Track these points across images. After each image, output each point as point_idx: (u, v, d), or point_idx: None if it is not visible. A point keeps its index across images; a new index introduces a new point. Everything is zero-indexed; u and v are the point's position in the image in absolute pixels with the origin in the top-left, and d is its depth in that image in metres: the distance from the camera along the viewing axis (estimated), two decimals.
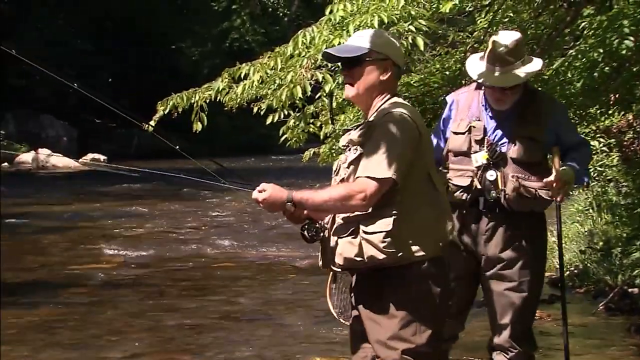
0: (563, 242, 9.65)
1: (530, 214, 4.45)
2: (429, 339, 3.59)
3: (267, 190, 3.59)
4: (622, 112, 7.28)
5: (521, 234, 4.45)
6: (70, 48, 33.83)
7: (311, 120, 6.31)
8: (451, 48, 6.65)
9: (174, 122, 6.26)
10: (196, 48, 40.26)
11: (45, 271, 10.69)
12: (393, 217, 3.52)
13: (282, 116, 6.02)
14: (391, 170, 3.49)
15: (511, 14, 6.01)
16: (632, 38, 5.07)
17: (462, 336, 4.78)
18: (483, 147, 4.45)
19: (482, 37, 5.98)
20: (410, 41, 5.02)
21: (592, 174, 9.57)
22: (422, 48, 5.22)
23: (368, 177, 3.51)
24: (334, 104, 5.98)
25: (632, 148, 9.56)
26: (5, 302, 8.61)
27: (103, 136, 32.37)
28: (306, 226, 3.71)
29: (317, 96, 6.03)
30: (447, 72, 6.23)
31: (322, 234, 3.71)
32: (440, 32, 6.19)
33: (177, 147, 3.93)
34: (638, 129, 9.58)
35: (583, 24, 5.88)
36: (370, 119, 3.66)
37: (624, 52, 5.12)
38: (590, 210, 9.91)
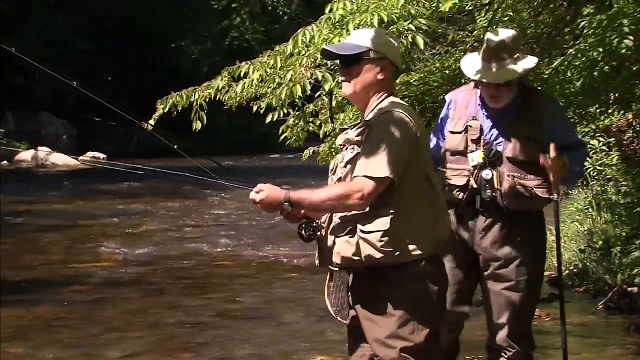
0: (563, 241, 9.75)
1: (527, 213, 4.44)
2: (427, 337, 3.60)
3: (264, 191, 3.60)
4: (622, 112, 7.28)
5: (518, 233, 4.44)
6: (70, 47, 33.82)
7: (311, 119, 6.30)
8: (451, 47, 6.66)
9: (173, 121, 6.27)
10: (196, 47, 40.24)
11: (45, 269, 10.69)
12: (390, 216, 3.53)
13: (281, 115, 6.02)
14: (389, 170, 3.50)
15: (511, 13, 6.01)
16: (632, 37, 5.07)
17: (461, 336, 4.78)
18: (480, 146, 4.45)
19: (482, 36, 5.95)
20: (410, 40, 5.02)
21: (592, 173, 9.58)
22: (422, 47, 5.22)
23: (366, 176, 3.52)
24: (334, 103, 5.98)
25: (631, 147, 9.56)
26: (5, 301, 8.61)
27: (103, 135, 32.35)
28: (304, 226, 3.71)
29: (316, 95, 6.02)
30: (447, 71, 6.23)
31: (319, 234, 3.72)
32: (440, 31, 6.19)
33: (176, 146, 3.93)
34: (638, 128, 9.59)
35: (583, 23, 5.88)
36: (368, 119, 3.67)
37: (623, 51, 5.12)
38: (590, 210, 9.91)
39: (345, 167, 3.67)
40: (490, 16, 5.95)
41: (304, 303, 8.56)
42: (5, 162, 28.03)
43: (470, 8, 6.18)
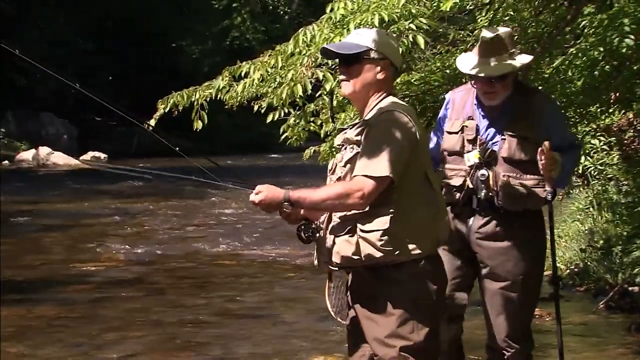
0: (564, 240, 9.76)
1: (524, 213, 4.43)
2: (427, 336, 3.60)
3: (263, 192, 3.60)
4: (623, 111, 7.28)
5: (516, 233, 4.44)
6: (71, 47, 33.80)
7: (311, 119, 6.29)
8: (452, 46, 6.65)
9: (174, 121, 6.26)
10: (196, 46, 40.22)
11: (46, 269, 10.69)
12: (390, 215, 3.54)
13: (282, 114, 6.01)
14: (388, 169, 3.51)
15: (512, 12, 6.00)
16: (632, 36, 5.06)
17: (462, 336, 4.78)
18: (476, 146, 4.45)
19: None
20: (411, 39, 5.01)
21: (592, 172, 9.58)
22: (422, 46, 5.21)
23: (365, 175, 3.52)
24: (335, 103, 5.97)
25: (632, 146, 9.55)
26: (6, 300, 8.62)
27: (104, 134, 32.33)
28: (302, 227, 3.72)
29: (317, 94, 6.01)
30: (448, 71, 6.22)
31: (317, 235, 3.72)
32: (440, 30, 6.18)
33: (177, 148, 3.94)
34: (638, 128, 9.58)
35: (584, 22, 5.87)
36: (367, 118, 3.67)
37: (624, 50, 5.11)
38: (591, 209, 9.92)
39: (345, 166, 3.68)
40: (491, 15, 5.94)
41: (305, 302, 8.57)
42: (6, 161, 28.06)
43: (471, 7, 6.17)
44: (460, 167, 4.48)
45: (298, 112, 6.14)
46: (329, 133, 6.40)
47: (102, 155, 30.96)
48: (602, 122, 8.33)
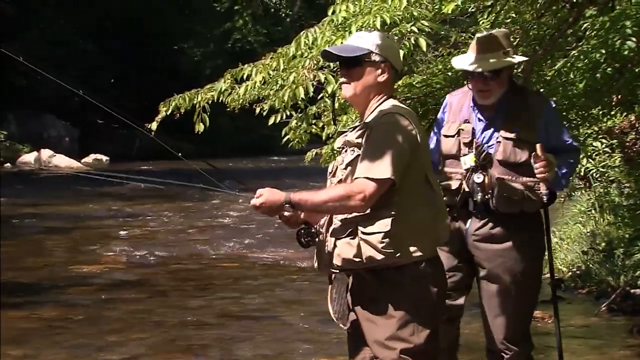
0: (566, 242, 9.75)
1: (520, 215, 4.41)
2: (427, 338, 3.60)
3: (263, 195, 3.60)
4: (625, 113, 7.28)
5: (511, 235, 4.42)
6: (73, 49, 33.85)
7: (313, 121, 6.30)
8: (454, 49, 6.65)
9: (176, 123, 6.27)
10: (198, 49, 40.29)
11: (48, 271, 10.69)
12: (391, 217, 3.54)
13: (284, 117, 6.02)
14: (390, 171, 3.51)
15: (513, 15, 6.00)
16: (634, 39, 5.06)
17: (462, 337, 4.77)
18: (472, 149, 4.45)
19: None
20: (413, 42, 5.01)
21: (594, 174, 9.57)
22: (424, 49, 5.21)
23: (367, 177, 3.52)
24: (336, 105, 5.98)
25: (634, 149, 9.54)
26: (8, 303, 8.63)
27: (105, 137, 32.37)
28: (302, 231, 3.72)
29: (319, 97, 6.02)
30: (450, 73, 6.22)
31: (317, 239, 3.72)
32: (442, 32, 6.19)
33: (177, 152, 3.93)
34: None
35: (585, 24, 5.87)
36: (367, 120, 3.68)
37: (626, 52, 5.11)
38: (593, 211, 9.91)
39: (345, 169, 3.68)
40: (493, 18, 5.94)
41: (307, 305, 8.57)
42: (8, 164, 28.08)
43: (473, 10, 6.17)
44: (456, 170, 4.48)
45: (300, 115, 6.14)
46: (330, 135, 6.40)
47: (104, 158, 31.01)
48: (604, 124, 8.33)
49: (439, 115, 4.68)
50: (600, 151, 9.41)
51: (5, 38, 26.54)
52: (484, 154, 4.41)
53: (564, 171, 4.48)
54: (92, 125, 32.81)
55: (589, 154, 9.14)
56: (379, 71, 3.69)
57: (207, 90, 6.03)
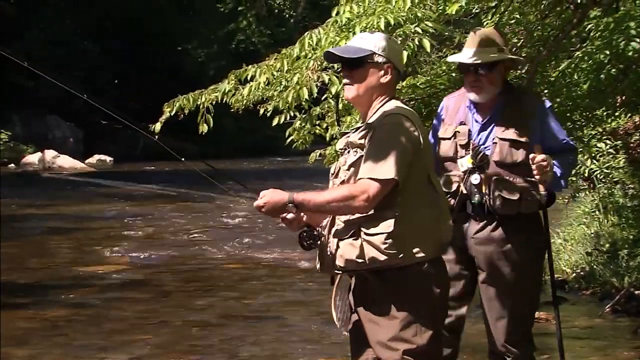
0: (570, 244, 9.73)
1: (518, 216, 4.40)
2: (430, 339, 3.60)
3: (266, 196, 3.60)
4: (629, 114, 7.27)
5: (510, 237, 4.41)
6: (75, 49, 33.88)
7: (317, 122, 6.30)
8: (457, 50, 6.64)
9: (180, 124, 6.27)
10: (202, 49, 40.30)
11: (51, 272, 10.70)
12: (394, 218, 3.53)
13: (288, 118, 6.02)
14: (393, 172, 3.51)
15: (518, 16, 6.00)
16: (638, 40, 5.06)
17: (463, 338, 4.77)
18: (468, 151, 4.44)
19: None
20: (417, 43, 5.01)
21: (598, 175, 9.56)
22: (428, 50, 5.21)
23: (370, 178, 3.52)
24: (340, 106, 5.97)
25: (638, 150, 9.53)
26: (11, 303, 8.64)
27: (109, 137, 32.40)
28: (304, 233, 3.71)
29: (323, 98, 6.02)
30: (454, 74, 6.21)
31: (319, 242, 3.72)
32: (446, 33, 6.18)
33: (183, 159, 3.94)
34: None
35: (590, 25, 5.87)
36: (370, 121, 3.68)
37: (630, 53, 5.11)
38: (597, 212, 9.89)
39: (348, 169, 3.68)
40: (497, 18, 5.94)
41: (310, 305, 8.57)
42: (12, 164, 28.12)
43: (477, 10, 6.16)
44: (454, 172, 4.47)
45: (304, 116, 6.14)
46: (334, 136, 6.40)
47: (108, 159, 31.05)
48: (608, 125, 8.32)
49: (436, 119, 4.67)
50: (605, 152, 9.39)
51: (7, 38, 26.60)
52: (481, 155, 4.40)
53: (562, 172, 4.47)
54: (96, 126, 32.81)
55: (593, 155, 9.13)
56: (382, 72, 3.69)
57: (210, 91, 6.03)
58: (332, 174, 3.81)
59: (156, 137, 4.66)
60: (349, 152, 3.72)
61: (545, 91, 5.93)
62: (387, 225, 3.53)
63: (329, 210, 3.64)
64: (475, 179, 4.39)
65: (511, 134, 4.39)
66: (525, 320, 4.56)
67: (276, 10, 44.60)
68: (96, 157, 31.02)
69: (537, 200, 4.39)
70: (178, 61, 37.52)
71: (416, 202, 3.59)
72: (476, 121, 4.48)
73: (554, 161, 4.36)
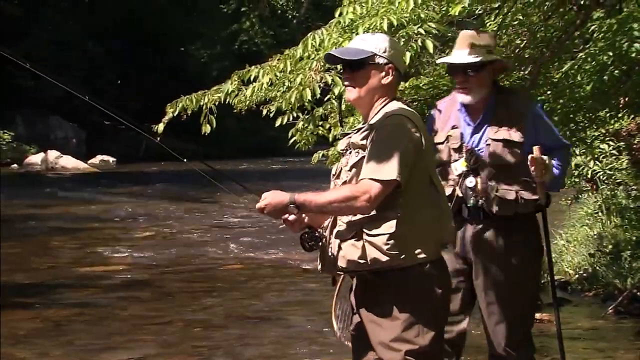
0: (572, 245, 9.73)
1: (515, 217, 4.40)
2: (432, 340, 3.60)
3: (267, 197, 3.60)
4: (632, 116, 7.27)
5: (507, 239, 4.41)
6: (78, 49, 33.91)
7: (320, 123, 6.30)
8: None
9: (183, 125, 6.28)
10: (205, 50, 40.32)
11: (54, 272, 10.71)
12: (396, 219, 3.53)
13: (291, 118, 6.01)
14: (395, 172, 3.51)
15: (521, 17, 5.99)
16: None
17: (469, 339, 4.77)
18: (462, 154, 4.43)
19: None
20: (420, 44, 5.01)
21: (601, 177, 9.56)
22: (431, 51, 5.21)
23: (372, 179, 3.52)
24: (343, 107, 5.97)
25: None
26: (14, 303, 8.65)
27: (112, 138, 32.42)
28: (306, 235, 3.71)
29: (326, 98, 6.02)
30: None
31: (320, 244, 3.72)
32: (449, 34, 6.18)
33: (185, 159, 3.95)
34: None
35: (593, 27, 5.86)
36: (371, 122, 3.68)
37: (633, 55, 5.10)
38: (600, 214, 9.89)
39: (350, 170, 3.68)
40: (500, 20, 5.93)
41: (312, 306, 8.57)
42: (15, 165, 28.15)
43: (480, 12, 6.16)
44: (449, 177, 4.46)
45: (307, 116, 6.14)
46: (337, 137, 6.39)
47: (111, 159, 31.07)
48: (611, 126, 8.31)
49: (428, 123, 4.65)
50: (607, 153, 9.39)
51: (10, 38, 26.62)
52: (475, 157, 4.40)
53: (560, 172, 4.47)
54: (99, 126, 32.85)
55: (596, 156, 9.13)
56: (383, 73, 3.69)
57: (213, 91, 6.03)
58: (334, 175, 3.82)
59: (158, 138, 4.65)
60: (350, 152, 3.72)
61: (549, 92, 5.92)
62: (389, 226, 3.53)
63: (331, 211, 3.64)
64: (470, 181, 4.38)
65: (504, 134, 4.39)
66: (526, 321, 4.56)
67: (279, 11, 44.59)
68: (99, 157, 31.04)
69: (534, 199, 4.38)
70: (181, 62, 37.56)
71: (418, 202, 3.59)
72: (468, 124, 4.48)
73: (552, 161, 4.36)
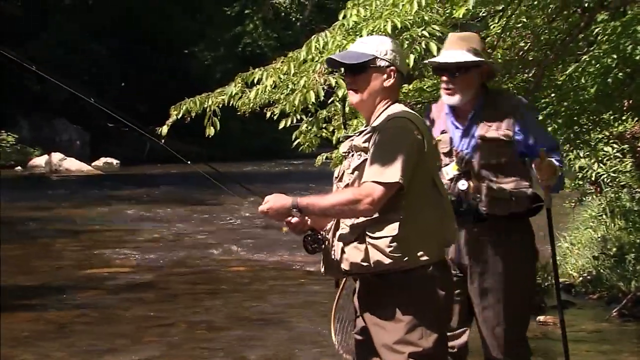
0: (577, 248, 9.72)
1: (509, 217, 4.38)
2: (436, 342, 3.60)
3: (270, 200, 3.60)
4: (636, 118, 7.25)
5: (503, 239, 4.39)
6: (83, 52, 33.95)
7: (324, 125, 6.30)
8: None
9: (187, 127, 6.28)
10: (209, 53, 40.34)
11: (57, 274, 10.72)
12: (399, 221, 3.53)
13: (294, 121, 6.01)
14: (398, 175, 3.51)
15: (524, 20, 5.99)
16: None
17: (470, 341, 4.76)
18: (452, 158, 4.42)
19: (495, 42, 5.97)
20: (424, 46, 5.01)
21: (605, 179, 9.55)
22: (435, 53, 5.20)
23: (374, 181, 3.52)
24: (347, 109, 5.97)
25: None
26: (17, 305, 8.66)
27: (116, 140, 32.46)
28: (309, 237, 3.71)
29: (329, 101, 6.02)
30: None
31: (323, 246, 3.72)
32: None
33: (189, 162, 3.95)
34: None
35: (597, 29, 5.86)
36: (374, 125, 3.67)
37: (637, 57, 5.09)
38: (604, 216, 9.88)
39: (352, 173, 3.68)
40: (504, 22, 5.93)
41: (316, 308, 8.57)
42: (19, 167, 28.19)
43: (484, 14, 6.16)
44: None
45: (310, 119, 6.14)
46: (341, 139, 6.39)
47: (114, 161, 31.10)
48: (615, 129, 8.31)
49: None
50: (612, 156, 9.39)
51: (20, 43, 26.67)
52: (465, 160, 4.39)
53: (562, 173, 4.48)
54: (103, 128, 32.91)
55: (600, 158, 9.12)
56: (385, 76, 3.69)
57: (217, 94, 6.04)
58: (336, 178, 3.82)
59: (162, 141, 4.66)
60: (352, 155, 3.72)
61: (552, 95, 5.91)
62: (392, 229, 3.53)
63: (334, 214, 3.65)
64: (462, 184, 4.36)
65: (493, 134, 4.38)
66: (522, 322, 4.53)
67: (283, 14, 44.64)
68: (103, 160, 31.07)
69: (528, 197, 4.38)
70: (185, 64, 37.58)
71: (420, 204, 3.59)
72: (456, 127, 4.47)
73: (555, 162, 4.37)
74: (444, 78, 4.44)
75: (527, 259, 4.49)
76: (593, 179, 9.54)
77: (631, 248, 8.75)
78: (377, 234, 3.55)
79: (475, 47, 4.42)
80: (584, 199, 10.46)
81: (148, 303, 9.03)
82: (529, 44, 6.02)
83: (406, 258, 3.54)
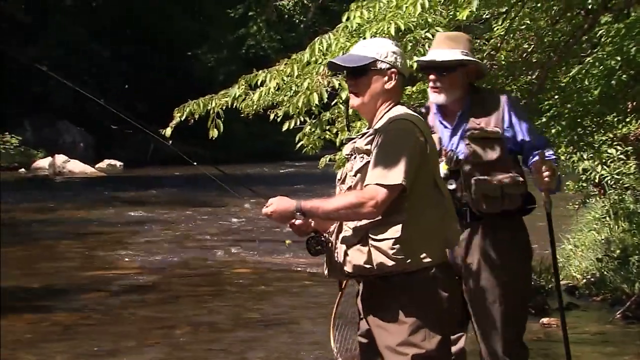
0: (580, 250, 9.71)
1: (502, 215, 4.37)
2: (439, 344, 3.60)
3: (274, 203, 3.61)
4: None
5: (495, 237, 4.38)
6: (87, 54, 33.98)
7: (327, 127, 6.30)
8: None
9: (190, 129, 6.28)
10: (212, 55, 40.32)
11: (61, 276, 10.72)
12: (401, 223, 3.54)
13: (298, 123, 6.02)
14: (400, 177, 3.51)
15: (528, 21, 5.99)
16: None
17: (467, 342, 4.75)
18: (442, 158, 4.42)
19: (498, 44, 5.97)
20: (427, 48, 5.01)
21: (609, 181, 9.54)
22: None
23: (377, 184, 3.53)
24: (350, 111, 5.96)
25: None
26: (21, 307, 8.67)
27: (119, 142, 32.44)
28: (312, 239, 3.72)
29: (333, 103, 6.02)
30: None
31: (326, 247, 3.72)
32: None
33: (195, 163, 3.96)
34: None
35: (600, 31, 5.86)
36: (376, 127, 3.68)
37: None
38: (607, 218, 9.87)
39: (355, 175, 3.68)
40: (507, 24, 5.93)
41: (320, 310, 8.55)
42: (23, 169, 28.20)
43: (487, 16, 6.16)
44: None
45: (314, 121, 6.14)
46: (344, 141, 6.39)
47: (118, 163, 31.09)
48: (619, 131, 8.29)
49: None
50: (615, 158, 9.37)
51: (25, 44, 26.69)
52: (455, 159, 4.39)
53: (559, 173, 4.48)
54: (106, 131, 32.91)
55: (604, 160, 9.11)
56: (386, 78, 3.69)
57: (221, 96, 6.04)
58: (339, 180, 3.82)
59: (170, 142, 4.66)
60: (355, 157, 3.73)
61: (556, 97, 5.92)
62: (395, 231, 3.54)
63: (337, 217, 3.65)
64: (450, 183, 4.35)
65: (482, 132, 4.38)
66: (518, 322, 4.51)
67: (286, 16, 44.56)
68: (106, 162, 31.05)
69: (520, 195, 4.37)
70: (188, 66, 37.57)
71: (422, 204, 3.59)
72: (445, 127, 4.48)
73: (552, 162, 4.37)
74: (431, 77, 4.45)
75: (520, 258, 4.48)
76: (597, 181, 9.53)
77: (635, 250, 8.74)
78: (380, 236, 3.55)
79: (462, 46, 4.43)
80: (588, 201, 10.45)
81: (152, 304, 9.04)
82: (533, 46, 6.02)
83: (409, 260, 3.54)
